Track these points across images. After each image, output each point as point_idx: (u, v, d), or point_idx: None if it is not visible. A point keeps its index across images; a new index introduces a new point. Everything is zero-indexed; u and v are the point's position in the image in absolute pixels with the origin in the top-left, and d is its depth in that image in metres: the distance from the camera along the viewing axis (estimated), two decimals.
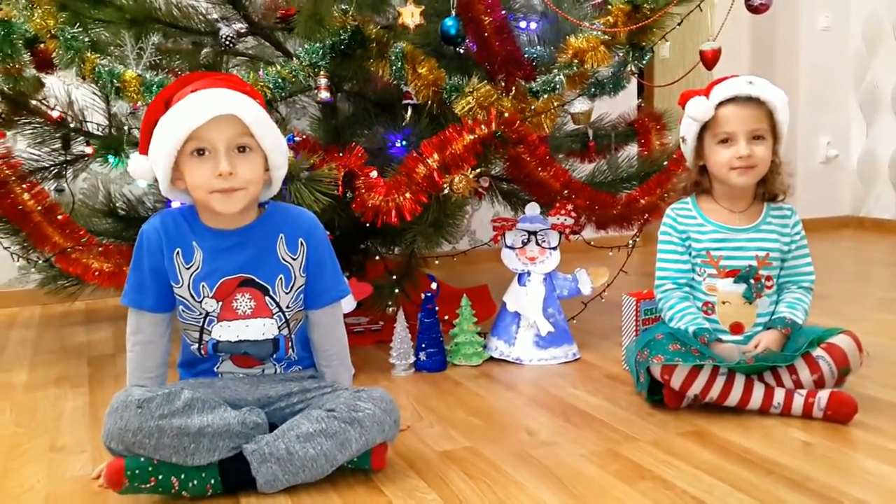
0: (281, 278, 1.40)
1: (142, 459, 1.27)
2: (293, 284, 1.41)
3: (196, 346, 1.41)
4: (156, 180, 1.37)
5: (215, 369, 1.43)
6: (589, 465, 1.42)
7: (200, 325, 1.39)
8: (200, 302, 1.37)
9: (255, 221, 1.40)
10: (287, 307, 1.41)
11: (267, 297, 1.39)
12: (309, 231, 1.43)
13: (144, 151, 1.36)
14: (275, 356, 1.43)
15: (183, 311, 1.39)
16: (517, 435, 1.58)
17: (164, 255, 1.36)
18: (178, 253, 1.36)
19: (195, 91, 1.31)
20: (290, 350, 1.45)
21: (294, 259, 1.41)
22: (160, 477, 1.27)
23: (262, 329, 1.40)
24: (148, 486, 1.26)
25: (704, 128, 1.69)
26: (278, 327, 1.41)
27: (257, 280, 1.38)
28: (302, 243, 1.41)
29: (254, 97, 1.36)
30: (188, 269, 1.36)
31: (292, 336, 1.44)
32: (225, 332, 1.39)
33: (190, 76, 1.38)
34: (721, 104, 1.66)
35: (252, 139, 1.32)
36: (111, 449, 1.30)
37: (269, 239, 1.39)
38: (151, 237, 1.37)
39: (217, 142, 1.29)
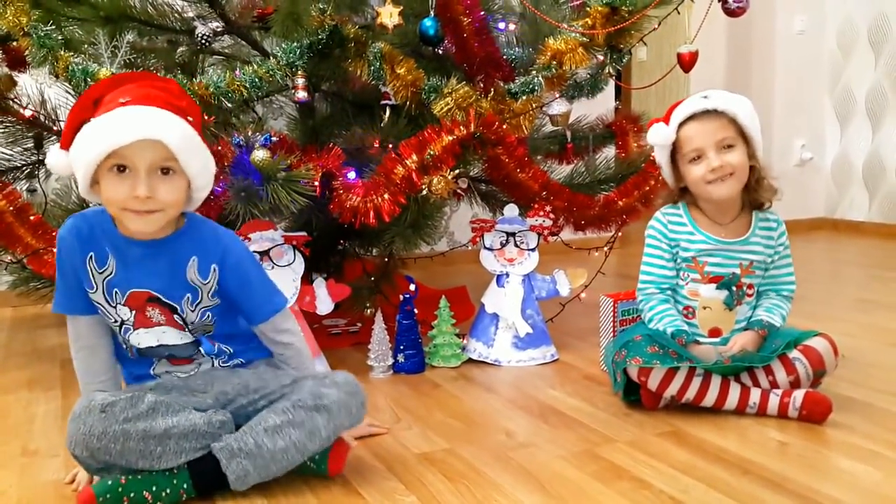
0: (188, 297, 1.35)
1: (109, 483, 1.24)
2: (199, 304, 1.37)
3: (125, 346, 1.39)
4: (72, 174, 1.30)
5: (152, 371, 1.41)
6: (567, 465, 1.42)
7: (118, 330, 1.37)
8: (115, 308, 1.34)
9: (169, 236, 1.33)
10: (192, 323, 1.38)
11: (175, 315, 1.36)
12: (223, 257, 1.36)
13: (66, 147, 1.29)
14: (203, 351, 1.41)
15: (103, 315, 1.36)
16: (496, 436, 1.58)
17: (77, 259, 1.32)
18: (91, 257, 1.32)
19: (124, 105, 1.24)
20: (217, 345, 1.42)
21: (204, 283, 1.35)
22: (132, 495, 1.25)
23: (178, 334, 1.38)
24: None
25: (674, 151, 1.71)
26: (192, 333, 1.39)
27: (163, 299, 1.34)
28: (214, 269, 1.35)
29: (190, 112, 1.30)
30: (101, 273, 1.32)
31: (213, 335, 1.41)
32: (143, 339, 1.36)
33: (125, 76, 1.32)
34: (682, 125, 1.67)
35: (176, 163, 1.26)
36: (76, 456, 1.28)
37: (181, 258, 1.34)
38: (67, 242, 1.32)
39: (138, 163, 1.23)
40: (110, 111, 1.24)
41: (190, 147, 1.27)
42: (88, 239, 1.32)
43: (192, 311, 1.36)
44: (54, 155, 1.30)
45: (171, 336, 1.37)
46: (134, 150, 1.22)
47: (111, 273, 1.32)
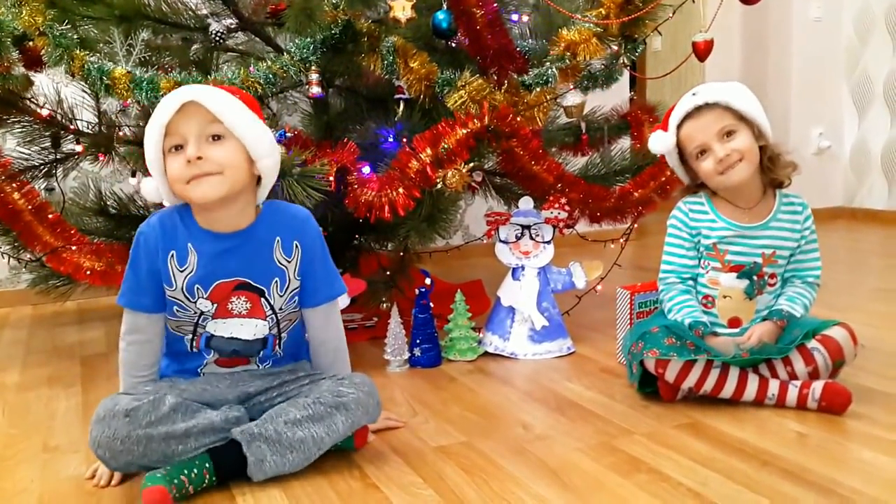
0: (276, 281, 1.40)
1: (158, 475, 1.25)
2: (288, 287, 1.42)
3: (189, 337, 1.41)
4: (165, 196, 1.39)
5: (199, 370, 1.44)
6: (584, 458, 1.42)
7: (195, 321, 1.40)
8: (195, 302, 1.37)
9: (250, 225, 1.39)
10: (280, 309, 1.42)
11: (262, 300, 1.40)
12: (304, 232, 1.43)
13: (149, 173, 1.38)
14: (261, 354, 1.45)
15: (177, 310, 1.39)
16: (512, 429, 1.58)
17: (159, 257, 1.36)
18: (172, 255, 1.36)
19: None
20: (277, 348, 1.46)
21: (289, 262, 1.41)
22: (176, 482, 1.26)
23: (254, 329, 1.41)
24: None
25: (681, 152, 1.71)
26: (269, 328, 1.43)
27: (253, 283, 1.39)
28: (297, 245, 1.42)
29: (243, 99, 1.37)
30: (182, 271, 1.36)
31: (282, 335, 1.46)
32: (220, 327, 1.40)
33: None
34: (680, 126, 1.68)
35: (222, 126, 1.31)
36: (99, 456, 1.31)
37: (266, 242, 1.39)
38: (149, 238, 1.36)
39: (186, 132, 1.30)
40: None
41: (234, 110, 1.33)
42: (170, 236, 1.36)
43: (281, 296, 1.41)
44: (145, 184, 1.40)
45: (247, 330, 1.41)
46: (179, 121, 1.30)
47: (192, 271, 1.36)
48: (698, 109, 1.65)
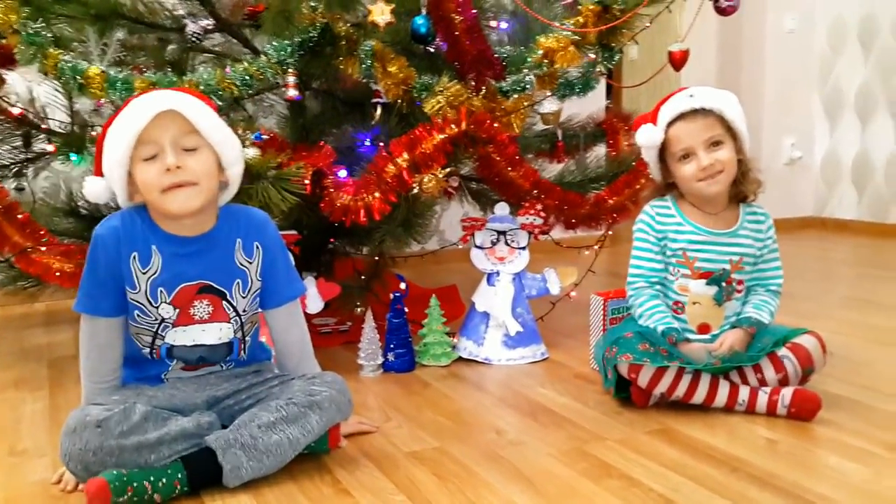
0: (238, 283, 1.40)
1: (114, 472, 1.24)
2: (250, 288, 1.41)
3: (148, 350, 1.39)
4: (113, 199, 1.36)
5: (163, 377, 1.42)
6: (557, 463, 1.42)
7: (154, 329, 1.37)
8: (157, 307, 1.35)
9: (212, 229, 1.38)
10: (244, 311, 1.41)
11: (224, 302, 1.39)
12: (264, 233, 1.43)
13: (99, 173, 1.35)
14: (228, 358, 1.44)
15: (138, 315, 1.36)
16: (486, 435, 1.58)
17: (120, 259, 1.33)
18: (134, 257, 1.33)
19: (136, 97, 1.32)
20: (243, 353, 1.45)
21: (250, 263, 1.41)
22: (135, 485, 1.25)
23: (217, 333, 1.40)
24: (125, 497, 1.23)
25: (663, 149, 1.71)
26: (234, 331, 1.41)
27: (215, 286, 1.38)
28: (258, 247, 1.41)
29: (202, 99, 1.37)
30: (145, 273, 1.34)
31: (246, 338, 1.45)
32: (180, 336, 1.38)
33: (133, 97, 1.38)
34: (670, 124, 1.68)
35: (199, 137, 1.31)
36: (71, 470, 1.29)
37: (227, 244, 1.39)
38: (108, 239, 1.33)
39: (162, 140, 1.29)
40: (125, 107, 1.31)
41: (208, 116, 1.33)
42: (130, 238, 1.34)
43: (244, 297, 1.40)
44: (90, 184, 1.36)
45: (210, 335, 1.39)
46: (155, 128, 1.28)
47: (156, 272, 1.34)
48: (693, 112, 1.66)
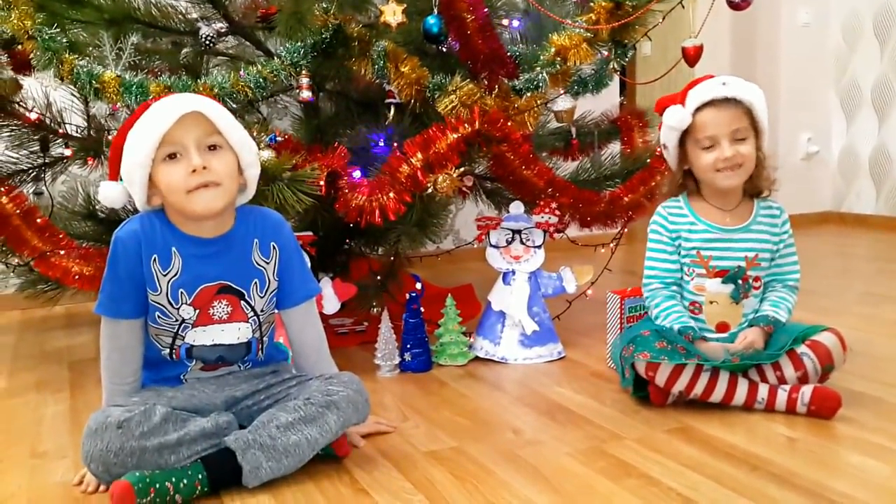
0: (256, 283, 1.41)
1: (137, 474, 1.25)
2: (267, 288, 1.43)
3: (168, 350, 1.40)
4: (129, 203, 1.37)
5: (182, 377, 1.43)
6: (575, 463, 1.42)
7: (175, 330, 1.39)
8: (178, 309, 1.37)
9: (230, 230, 1.40)
10: (261, 311, 1.43)
11: (242, 302, 1.40)
12: (280, 233, 1.44)
13: (114, 177, 1.36)
14: (246, 358, 1.45)
15: (159, 316, 1.37)
16: (503, 434, 1.58)
17: (141, 262, 1.34)
18: (154, 259, 1.35)
19: (154, 101, 1.33)
20: (261, 353, 1.47)
21: (267, 263, 1.42)
22: (157, 486, 1.26)
23: (236, 333, 1.41)
24: (148, 498, 1.24)
25: (685, 133, 1.69)
26: (252, 330, 1.43)
27: (234, 286, 1.39)
28: (274, 247, 1.43)
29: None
30: (166, 275, 1.35)
31: (264, 339, 1.46)
32: (200, 336, 1.40)
33: (149, 102, 1.39)
34: (698, 109, 1.66)
35: (220, 137, 1.33)
36: (92, 471, 1.31)
37: (245, 245, 1.40)
38: (128, 243, 1.34)
39: (187, 141, 1.30)
40: (146, 111, 1.32)
41: (228, 118, 1.35)
42: (150, 241, 1.35)
43: (262, 297, 1.42)
44: (105, 188, 1.37)
45: (229, 335, 1.40)
46: (179, 130, 1.29)
47: (177, 274, 1.35)
48: (724, 101, 1.64)
